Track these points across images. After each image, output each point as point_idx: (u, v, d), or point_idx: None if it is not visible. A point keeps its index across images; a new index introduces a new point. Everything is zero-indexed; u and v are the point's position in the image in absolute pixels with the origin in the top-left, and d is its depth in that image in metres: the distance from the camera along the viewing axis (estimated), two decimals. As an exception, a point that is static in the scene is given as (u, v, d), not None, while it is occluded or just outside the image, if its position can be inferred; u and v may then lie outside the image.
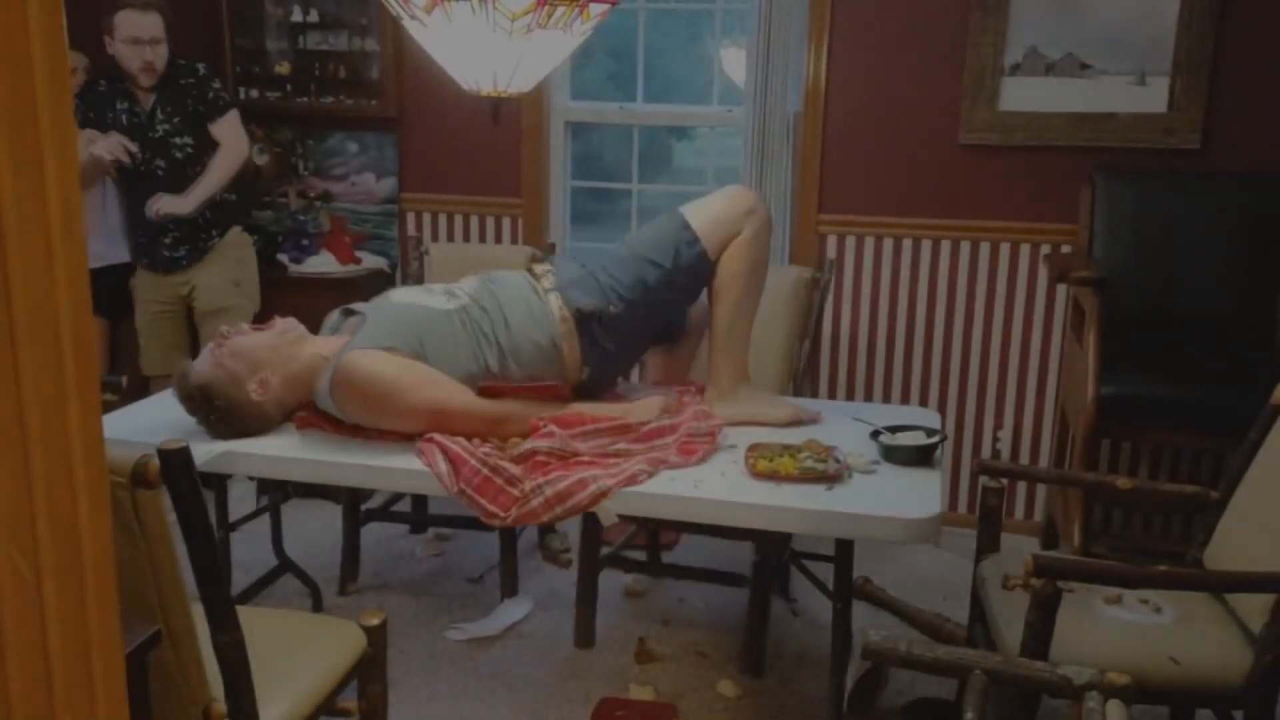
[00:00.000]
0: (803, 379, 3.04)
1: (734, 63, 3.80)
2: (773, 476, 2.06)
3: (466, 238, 4.03)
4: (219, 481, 2.81)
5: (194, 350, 3.42)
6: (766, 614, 2.77)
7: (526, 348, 2.27)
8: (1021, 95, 3.38)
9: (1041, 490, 3.58)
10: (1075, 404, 3.00)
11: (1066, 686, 1.43)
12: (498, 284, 2.36)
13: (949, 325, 3.60)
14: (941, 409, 3.60)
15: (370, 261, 4.04)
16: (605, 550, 2.95)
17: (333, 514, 3.34)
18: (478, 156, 3.94)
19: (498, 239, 4.00)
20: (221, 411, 2.19)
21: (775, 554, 2.77)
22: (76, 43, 3.73)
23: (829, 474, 2.06)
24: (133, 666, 1.24)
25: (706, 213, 2.37)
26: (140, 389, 3.30)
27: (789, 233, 3.65)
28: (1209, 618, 1.99)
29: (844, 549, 2.35)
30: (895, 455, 2.19)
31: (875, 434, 2.25)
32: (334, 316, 2.46)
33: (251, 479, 3.08)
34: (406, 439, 2.17)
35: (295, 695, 1.77)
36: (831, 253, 3.64)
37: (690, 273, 2.36)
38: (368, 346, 2.16)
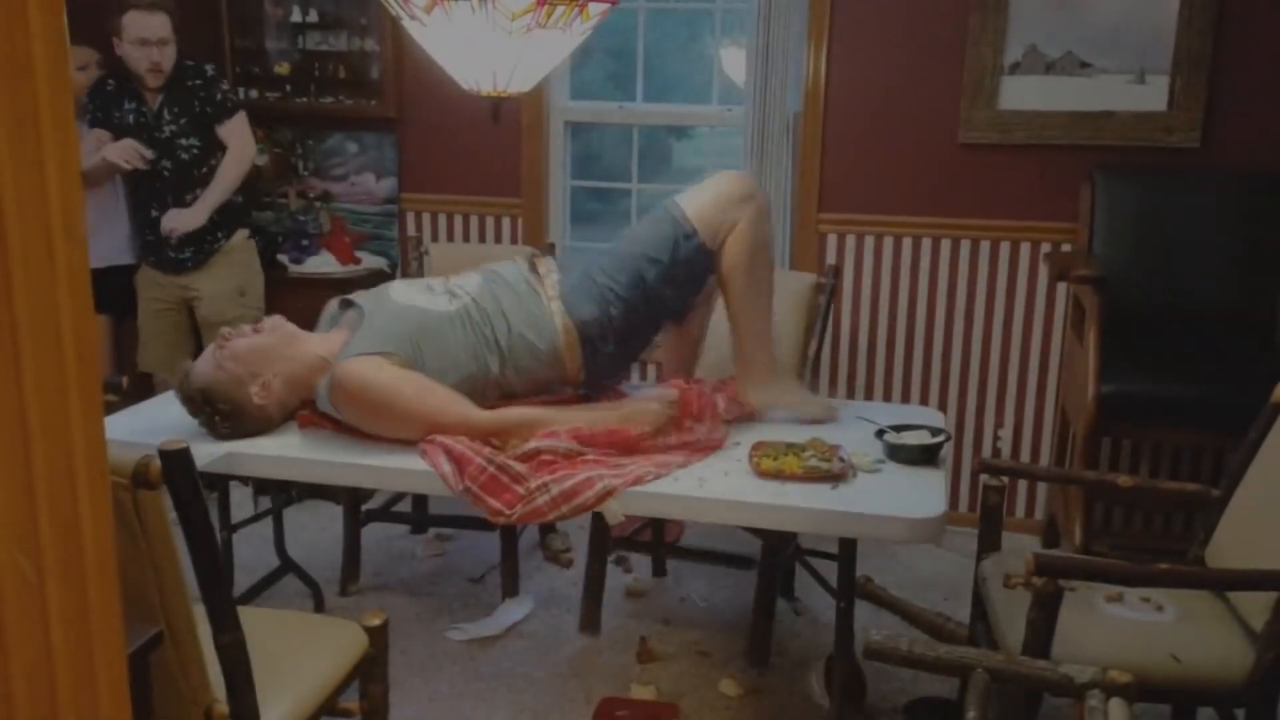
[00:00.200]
0: (808, 379, 3.03)
1: (733, 62, 3.80)
2: (777, 475, 2.06)
3: (466, 238, 4.03)
4: (221, 483, 2.81)
5: (195, 351, 3.41)
6: (773, 602, 2.77)
7: (526, 351, 2.27)
8: (1021, 94, 3.38)
9: (1042, 489, 3.58)
10: (1076, 402, 3.00)
11: (1068, 685, 1.43)
12: (499, 283, 2.35)
13: (949, 324, 3.60)
14: (941, 407, 3.60)
15: (370, 262, 4.04)
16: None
17: (333, 515, 3.34)
18: (477, 156, 3.94)
19: (498, 239, 4.00)
20: (224, 414, 2.19)
21: (782, 546, 2.77)
22: (89, 38, 3.68)
23: (834, 473, 2.06)
24: (135, 667, 1.24)
25: (702, 201, 2.35)
26: (143, 389, 3.30)
27: (789, 232, 3.65)
28: (1211, 616, 1.99)
29: (847, 547, 2.35)
30: (900, 454, 2.18)
31: (880, 433, 2.25)
32: (333, 306, 2.45)
33: (247, 484, 3.08)
34: (407, 440, 2.17)
35: (297, 696, 1.77)
36: (831, 252, 3.64)
37: (689, 266, 2.35)
38: (364, 351, 2.15)
